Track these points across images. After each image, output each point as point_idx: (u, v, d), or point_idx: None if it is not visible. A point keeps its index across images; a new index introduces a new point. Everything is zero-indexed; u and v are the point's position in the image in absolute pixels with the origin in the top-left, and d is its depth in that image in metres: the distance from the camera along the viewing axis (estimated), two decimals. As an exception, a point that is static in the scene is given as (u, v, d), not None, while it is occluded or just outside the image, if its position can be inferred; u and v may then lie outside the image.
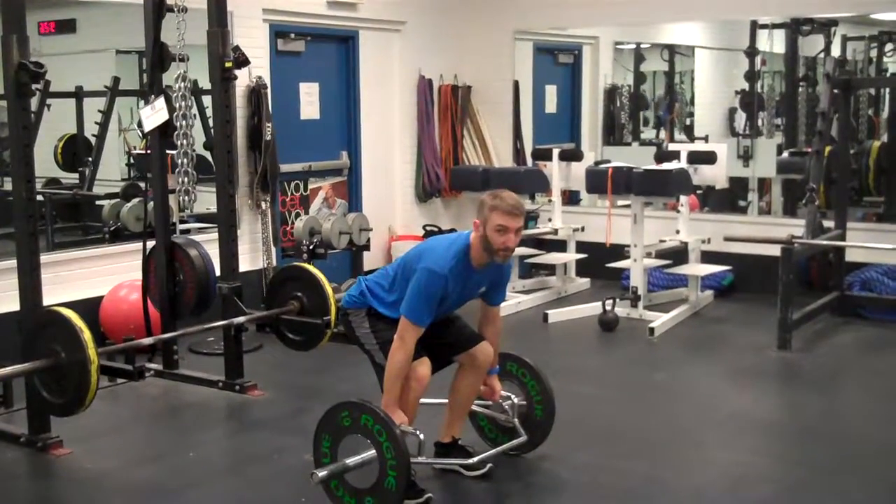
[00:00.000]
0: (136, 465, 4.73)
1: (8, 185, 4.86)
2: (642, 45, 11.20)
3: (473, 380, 4.39)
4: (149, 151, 5.94)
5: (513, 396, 4.49)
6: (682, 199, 7.74)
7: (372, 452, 3.82)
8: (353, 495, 3.90)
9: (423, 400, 4.19)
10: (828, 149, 7.51)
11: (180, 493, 4.35)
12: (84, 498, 4.39)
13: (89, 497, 4.38)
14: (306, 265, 6.04)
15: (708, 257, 7.89)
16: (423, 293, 4.01)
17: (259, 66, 7.43)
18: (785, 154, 9.39)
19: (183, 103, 5.82)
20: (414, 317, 4.02)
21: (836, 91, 7.32)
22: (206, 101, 7.03)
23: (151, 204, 5.97)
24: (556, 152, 8.40)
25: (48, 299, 4.90)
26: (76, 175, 9.26)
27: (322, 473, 3.86)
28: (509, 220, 4.02)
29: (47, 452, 4.74)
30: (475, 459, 4.32)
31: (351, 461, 3.85)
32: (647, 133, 11.34)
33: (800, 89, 9.98)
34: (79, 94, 9.21)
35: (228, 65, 5.62)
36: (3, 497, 4.39)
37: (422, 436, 4.01)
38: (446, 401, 4.48)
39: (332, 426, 3.96)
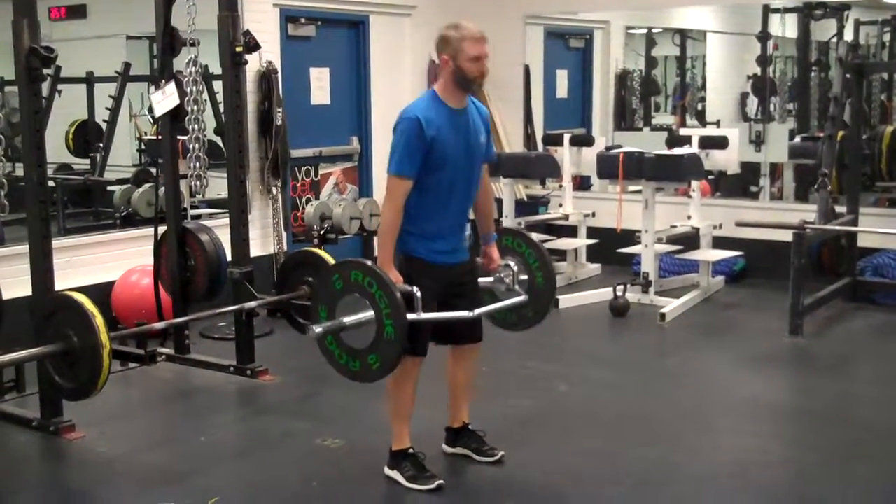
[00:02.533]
0: (148, 449, 4.76)
1: (20, 171, 4.87)
2: (654, 30, 11.17)
3: (466, 364, 4.38)
4: (160, 137, 5.95)
5: (511, 263, 4.37)
6: (694, 184, 7.71)
7: (368, 310, 3.78)
8: (355, 357, 3.87)
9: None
10: (840, 134, 7.48)
11: (192, 476, 4.36)
12: (96, 481, 4.41)
13: (101, 480, 4.40)
14: (317, 250, 6.04)
15: (719, 243, 7.86)
16: (400, 142, 3.95)
17: (269, 51, 7.42)
18: (797, 139, 9.36)
19: (194, 88, 5.82)
20: (394, 167, 3.96)
21: (848, 75, 7.28)
22: (217, 86, 7.03)
23: (163, 189, 5.97)
24: (567, 137, 8.37)
25: (60, 284, 4.90)
26: (87, 160, 9.30)
27: (318, 329, 3.85)
28: (481, 46, 4.03)
29: (60, 436, 4.76)
30: (474, 313, 4.11)
31: (348, 319, 3.82)
32: (659, 118, 11.32)
33: (812, 74, 9.95)
34: (89, 80, 9.25)
35: (239, 49, 5.61)
36: (16, 480, 4.42)
37: (418, 293, 3.88)
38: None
39: (327, 294, 3.91)
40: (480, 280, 4.38)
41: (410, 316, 3.80)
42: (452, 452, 4.45)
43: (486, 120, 4.29)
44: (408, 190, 3.97)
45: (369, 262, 3.88)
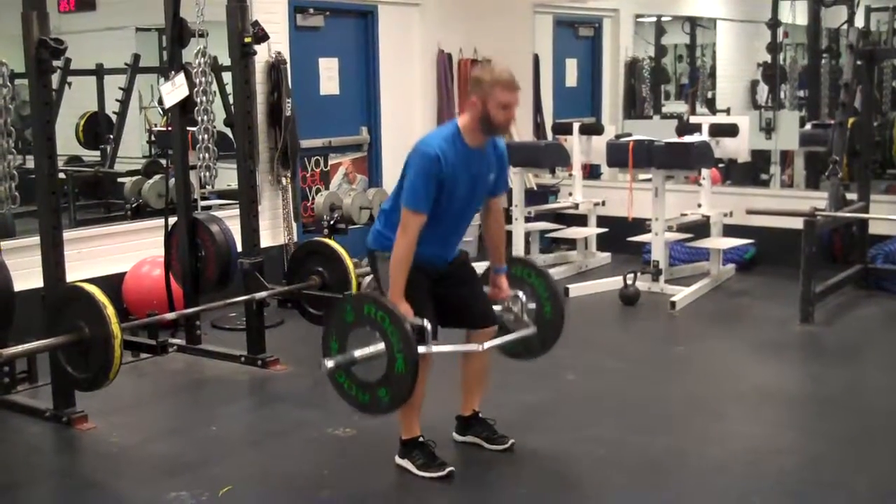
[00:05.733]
0: (160, 439, 4.78)
1: (30, 163, 4.89)
2: (663, 18, 11.14)
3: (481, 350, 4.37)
4: (169, 128, 5.96)
5: (520, 293, 4.37)
6: (704, 172, 7.69)
7: (379, 343, 3.79)
8: (365, 390, 3.89)
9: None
10: (851, 121, 7.45)
11: (203, 466, 4.38)
12: (108, 471, 4.43)
13: (114, 470, 4.42)
14: (327, 240, 6.05)
15: (730, 231, 7.84)
16: (418, 177, 3.93)
17: (278, 42, 7.42)
18: (807, 126, 9.32)
19: (203, 79, 5.84)
20: (411, 203, 3.93)
21: (859, 62, 7.25)
22: (226, 77, 7.04)
23: (173, 180, 5.99)
24: (576, 126, 8.37)
25: (71, 276, 4.92)
26: (98, 152, 9.34)
27: (330, 364, 3.88)
28: (513, 95, 4.00)
29: (72, 427, 4.79)
30: (484, 346, 4.14)
31: (358, 352, 3.84)
32: (669, 106, 11.29)
33: (823, 61, 9.90)
34: (99, 72, 9.27)
35: (248, 40, 5.62)
36: (29, 471, 4.43)
37: (429, 326, 3.90)
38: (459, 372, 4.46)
39: (338, 324, 3.93)
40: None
41: (421, 349, 3.82)
42: (463, 441, 4.46)
43: (501, 156, 4.24)
44: (423, 224, 3.95)
45: (382, 297, 3.90)
